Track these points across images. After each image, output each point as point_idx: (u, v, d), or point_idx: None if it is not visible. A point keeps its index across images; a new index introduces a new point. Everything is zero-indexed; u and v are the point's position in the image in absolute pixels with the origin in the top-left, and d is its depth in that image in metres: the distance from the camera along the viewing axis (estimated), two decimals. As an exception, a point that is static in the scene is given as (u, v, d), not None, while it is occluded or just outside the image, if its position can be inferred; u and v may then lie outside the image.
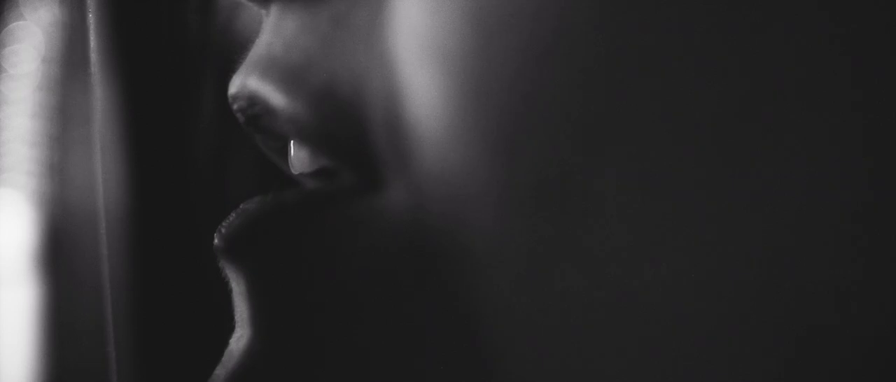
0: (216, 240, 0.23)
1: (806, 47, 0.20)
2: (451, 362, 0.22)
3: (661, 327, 0.20)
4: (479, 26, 0.21)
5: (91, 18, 0.26)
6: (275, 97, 0.23)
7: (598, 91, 0.20)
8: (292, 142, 0.24)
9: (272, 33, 0.24)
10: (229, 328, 0.26)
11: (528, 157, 0.20)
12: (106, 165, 0.25)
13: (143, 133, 0.25)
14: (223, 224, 0.23)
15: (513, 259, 0.21)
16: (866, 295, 0.20)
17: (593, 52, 0.20)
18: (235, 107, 0.24)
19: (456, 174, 0.21)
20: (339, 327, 0.22)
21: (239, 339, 0.23)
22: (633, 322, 0.20)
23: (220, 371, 0.24)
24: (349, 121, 0.22)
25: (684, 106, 0.20)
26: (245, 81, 0.23)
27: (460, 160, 0.21)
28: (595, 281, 0.20)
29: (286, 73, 0.23)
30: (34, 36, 0.32)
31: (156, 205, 0.25)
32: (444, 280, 0.21)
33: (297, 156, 0.24)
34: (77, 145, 0.27)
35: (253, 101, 0.23)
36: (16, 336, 0.29)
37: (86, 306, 0.28)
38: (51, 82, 0.30)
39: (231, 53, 0.25)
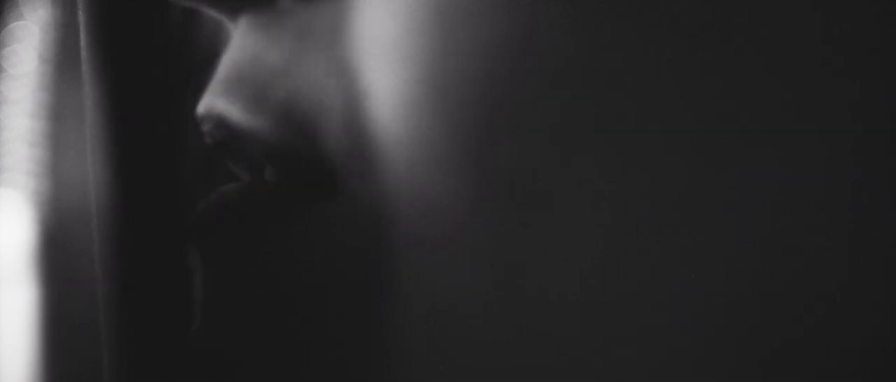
0: (194, 217, 0.23)
1: (794, 44, 0.19)
2: (406, 366, 0.22)
3: (637, 328, 0.20)
4: (439, 25, 0.20)
5: (80, 17, 0.26)
6: (240, 117, 0.23)
7: (567, 88, 0.20)
8: (267, 166, 0.24)
9: (238, 50, 0.23)
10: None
11: (496, 158, 0.20)
12: (94, 165, 0.25)
13: (134, 133, 0.25)
14: (202, 203, 0.23)
15: (483, 261, 0.20)
16: (860, 295, 0.20)
17: (562, 48, 0.20)
18: (204, 128, 0.24)
19: (422, 177, 0.20)
20: (286, 321, 0.22)
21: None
22: (607, 324, 0.20)
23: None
24: (310, 133, 0.22)
25: (660, 103, 0.19)
26: (212, 103, 0.23)
27: (426, 163, 0.20)
28: (567, 283, 0.20)
29: (251, 92, 0.23)
30: (34, 35, 0.32)
31: (143, 204, 0.25)
32: (407, 281, 0.21)
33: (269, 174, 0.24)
34: (72, 145, 0.27)
35: (220, 124, 0.23)
36: (14, 335, 0.29)
37: (82, 306, 0.28)
38: (48, 82, 0.30)
39: (214, 63, 0.25)
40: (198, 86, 0.25)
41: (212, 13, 0.25)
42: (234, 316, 0.23)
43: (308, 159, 0.22)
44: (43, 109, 0.29)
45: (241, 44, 0.23)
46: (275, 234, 0.22)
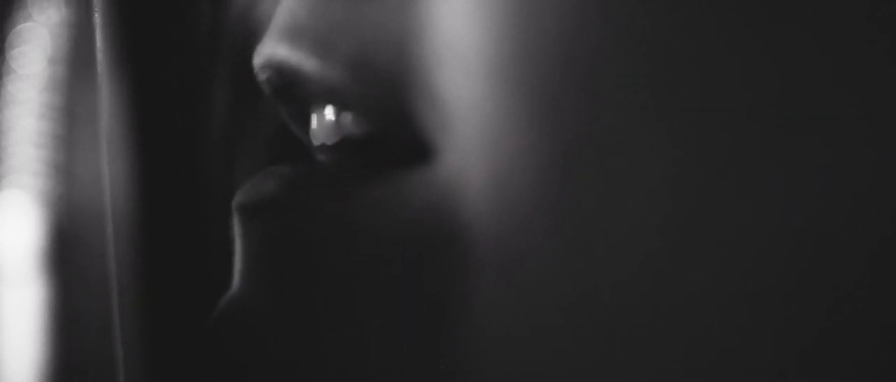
0: (239, 197, 0.23)
1: (810, 48, 0.20)
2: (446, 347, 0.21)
3: (682, 322, 0.20)
4: None
5: (97, 17, 0.26)
6: (307, 64, 0.23)
7: (641, 51, 0.20)
8: (315, 113, 0.24)
9: (295, 1, 0.23)
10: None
11: (569, 118, 0.20)
12: (112, 164, 0.25)
13: (151, 132, 0.25)
14: (249, 183, 0.23)
15: (552, 225, 0.20)
16: (869, 294, 0.20)
17: (636, 11, 0.20)
18: (263, 77, 0.24)
19: (499, 140, 0.20)
20: (341, 307, 0.22)
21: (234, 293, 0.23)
22: (657, 301, 0.20)
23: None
24: (390, 90, 0.22)
25: (724, 87, 0.19)
26: (273, 51, 0.23)
27: (503, 126, 0.20)
28: (632, 254, 0.20)
29: (317, 41, 0.23)
30: (43, 36, 0.32)
31: (163, 205, 0.25)
32: (471, 258, 0.21)
33: (321, 126, 0.24)
34: (83, 145, 0.27)
35: (282, 70, 0.23)
36: (23, 335, 0.28)
37: (93, 306, 0.28)
38: (58, 82, 0.30)
39: (246, 48, 0.25)
40: (225, 76, 0.25)
41: None
42: (272, 297, 0.23)
43: (392, 111, 0.22)
44: (53, 110, 0.29)
45: None
46: (329, 217, 0.22)
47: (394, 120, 0.22)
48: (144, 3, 0.25)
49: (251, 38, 0.25)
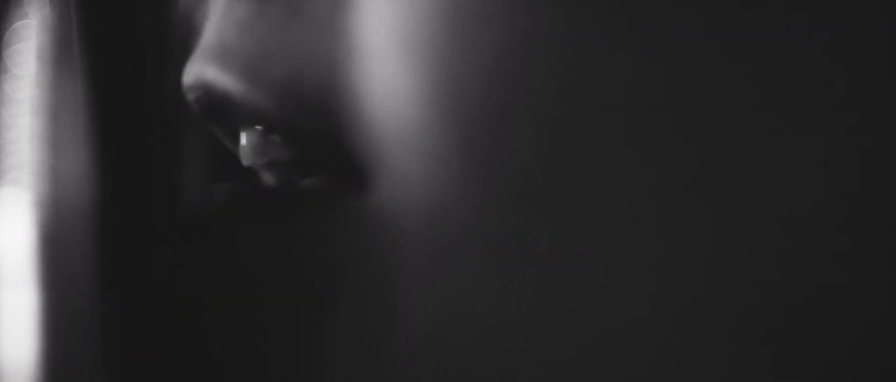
0: (182, 212, 0.23)
1: (800, 49, 0.19)
2: (404, 365, 0.21)
3: (644, 329, 0.20)
4: (455, 20, 0.20)
5: (74, 16, 0.26)
6: (235, 88, 0.22)
7: (580, 87, 0.19)
8: (243, 132, 0.24)
9: (223, 19, 0.23)
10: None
11: (507, 156, 0.20)
12: (84, 163, 0.25)
13: (109, 128, 0.25)
14: (192, 200, 0.23)
15: (490, 263, 0.20)
16: (860, 296, 0.19)
17: (575, 47, 0.19)
18: (191, 97, 0.23)
19: (434, 173, 0.20)
20: (278, 324, 0.22)
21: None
22: (614, 325, 0.20)
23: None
24: (316, 115, 0.21)
25: (673, 104, 0.19)
26: (201, 71, 0.23)
27: (438, 158, 0.20)
28: (577, 285, 0.20)
29: (244, 63, 0.22)
30: (37, 35, 0.31)
31: (127, 201, 0.25)
32: (411, 283, 0.20)
33: (249, 146, 0.24)
34: (67, 144, 0.27)
35: (210, 93, 0.23)
36: (15, 336, 0.29)
37: (83, 306, 0.28)
38: (47, 81, 0.30)
39: (189, 43, 0.25)
40: (179, 64, 0.25)
41: None
42: (222, 314, 0.23)
43: (319, 137, 0.21)
44: (43, 109, 0.29)
45: (225, 13, 0.23)
46: (270, 236, 0.22)
47: (323, 146, 0.22)
48: (103, 4, 0.25)
49: (192, 38, 0.25)
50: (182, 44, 0.25)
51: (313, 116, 0.21)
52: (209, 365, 0.23)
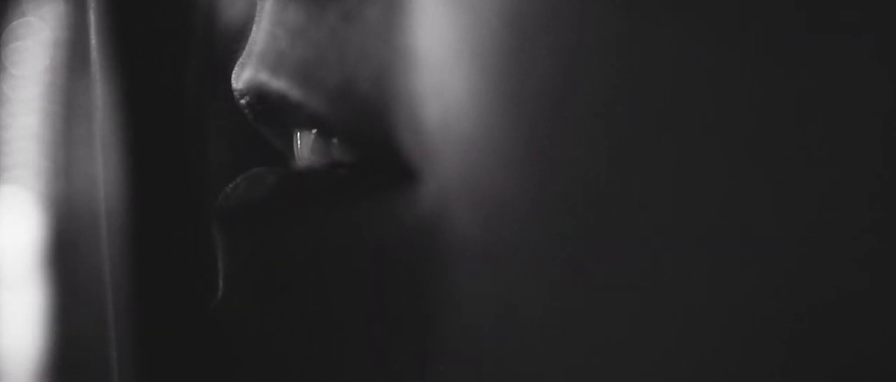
0: (222, 201, 0.23)
1: (817, 54, 0.19)
2: (444, 369, 0.21)
3: (675, 335, 0.20)
4: (513, 25, 0.20)
5: (92, 15, 0.26)
6: (291, 93, 0.22)
7: (636, 95, 0.19)
8: (298, 133, 0.24)
9: (274, 24, 0.23)
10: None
11: (561, 162, 0.20)
12: (106, 165, 0.25)
13: (143, 132, 0.25)
14: (232, 187, 0.23)
15: (545, 266, 0.20)
16: (870, 297, 0.20)
17: (631, 56, 0.19)
18: (244, 102, 0.23)
19: (485, 177, 0.20)
20: (321, 322, 0.22)
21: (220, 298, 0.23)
22: (652, 333, 0.20)
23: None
24: (372, 119, 0.21)
25: (718, 105, 0.19)
26: (254, 77, 0.23)
27: (491, 163, 0.20)
28: (624, 293, 0.20)
29: (298, 69, 0.22)
30: (39, 33, 0.31)
31: (155, 204, 0.25)
32: (462, 286, 0.21)
33: (306, 147, 0.23)
34: (79, 145, 0.26)
35: (264, 98, 0.23)
36: (22, 339, 0.28)
37: (87, 307, 0.27)
38: (55, 81, 0.29)
39: (230, 44, 0.25)
40: (219, 71, 0.25)
41: None
42: (261, 305, 0.22)
43: (372, 141, 0.21)
44: (50, 108, 0.29)
45: (276, 17, 0.23)
46: (315, 225, 0.22)
47: (377, 149, 0.22)
48: (138, 3, 0.25)
49: (232, 37, 0.25)
50: (226, 47, 0.25)
51: (368, 120, 0.21)
52: (240, 359, 0.23)
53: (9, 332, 0.28)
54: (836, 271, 0.19)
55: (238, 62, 0.23)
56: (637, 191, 0.19)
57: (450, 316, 0.20)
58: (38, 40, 0.30)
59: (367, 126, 0.21)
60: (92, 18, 0.26)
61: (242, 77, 0.23)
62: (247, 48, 0.23)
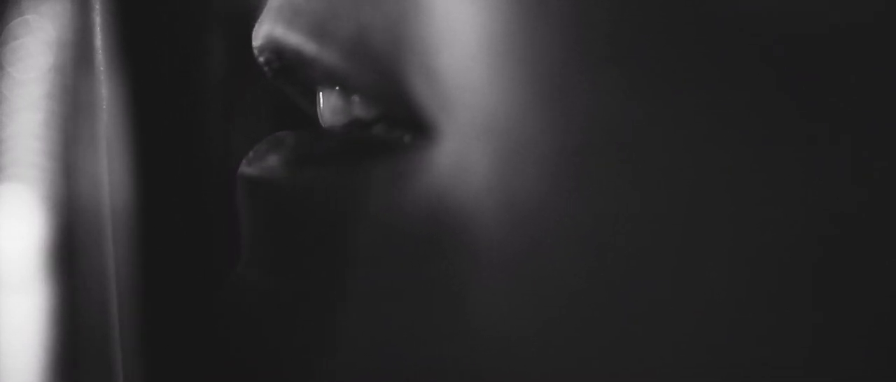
0: (243, 167, 0.23)
1: (814, 50, 0.19)
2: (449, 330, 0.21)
3: (688, 318, 0.20)
4: None
5: (97, 12, 0.26)
6: (306, 47, 0.22)
7: (658, 32, 0.19)
8: (321, 93, 0.23)
9: None
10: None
11: (579, 106, 0.19)
12: (111, 161, 0.25)
13: (150, 124, 0.25)
14: (253, 152, 0.22)
15: (561, 217, 0.20)
16: (868, 296, 0.19)
17: (643, 26, 0.19)
18: (262, 59, 0.23)
19: (504, 127, 0.20)
20: (343, 281, 0.21)
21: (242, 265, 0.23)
22: (670, 294, 0.20)
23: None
24: (387, 71, 0.21)
25: (725, 92, 0.19)
26: (271, 32, 0.23)
27: (509, 112, 0.20)
28: (658, 243, 0.19)
29: (314, 22, 0.22)
30: (40, 31, 0.31)
31: (162, 199, 0.25)
32: (474, 244, 0.20)
33: (328, 107, 0.23)
34: (84, 142, 0.26)
35: (281, 53, 0.23)
36: (25, 339, 0.28)
37: (92, 307, 0.27)
38: (59, 77, 0.29)
39: (246, 17, 0.24)
40: (230, 40, 0.25)
41: None
42: (282, 267, 0.22)
43: (388, 94, 0.21)
44: (54, 105, 0.28)
45: None
46: (337, 185, 0.21)
47: (393, 102, 0.21)
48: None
49: (251, 8, 0.24)
50: (240, 8, 0.25)
51: (383, 72, 0.21)
52: (249, 336, 0.22)
53: (12, 333, 0.28)
54: (837, 269, 0.19)
55: (257, 20, 0.23)
56: (661, 133, 0.19)
57: (468, 278, 0.20)
58: (40, 39, 0.30)
59: (383, 78, 0.21)
60: (96, 16, 0.26)
61: (260, 33, 0.23)
62: (267, 5, 0.23)
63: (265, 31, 0.23)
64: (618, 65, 0.19)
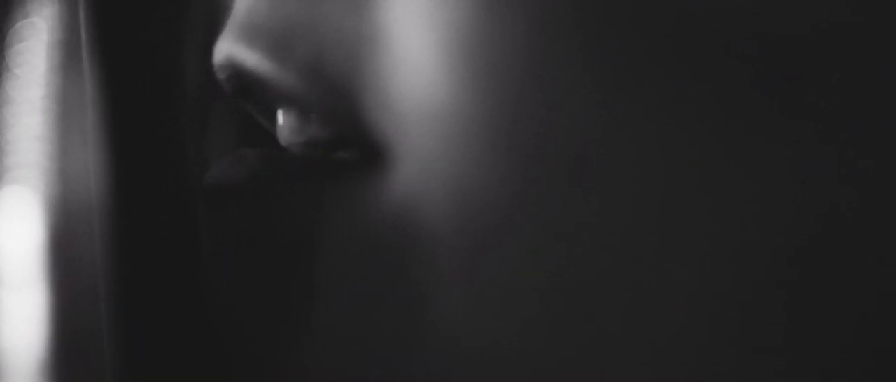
0: (207, 180, 0.23)
1: (806, 45, 0.19)
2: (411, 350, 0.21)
3: (662, 324, 0.19)
4: None
5: (82, 12, 0.26)
6: (264, 66, 0.22)
7: (615, 68, 0.19)
8: (281, 111, 0.23)
9: None
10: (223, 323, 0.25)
11: (537, 139, 0.19)
12: (95, 163, 0.25)
13: (129, 126, 0.25)
14: (217, 166, 0.23)
15: (517, 244, 0.20)
16: (864, 295, 0.19)
17: (607, 26, 0.19)
18: (222, 76, 0.23)
19: (460, 154, 0.20)
20: (300, 299, 0.22)
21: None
22: (635, 318, 0.19)
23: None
24: (344, 93, 0.21)
25: (695, 90, 0.19)
26: (230, 51, 0.23)
27: (464, 139, 0.20)
28: (606, 274, 0.19)
29: (273, 42, 0.22)
30: (40, 33, 0.31)
31: (145, 199, 0.25)
32: (433, 265, 0.20)
33: (287, 126, 0.23)
34: (74, 143, 0.26)
35: (240, 72, 0.23)
36: (21, 339, 0.28)
37: (91, 309, 0.27)
38: (55, 80, 0.29)
39: (213, 32, 0.25)
40: (209, 42, 0.25)
41: None
42: (242, 287, 0.22)
43: (342, 116, 0.21)
44: (50, 107, 0.29)
45: None
46: (295, 204, 0.21)
47: (350, 123, 0.21)
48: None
49: (218, 23, 0.25)
50: (212, 20, 0.25)
51: (339, 95, 0.21)
52: (224, 347, 0.22)
53: (10, 331, 0.28)
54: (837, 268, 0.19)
55: (219, 37, 0.23)
56: (620, 164, 0.19)
57: (429, 298, 0.20)
58: (39, 41, 0.30)
59: (339, 99, 0.21)
60: (81, 16, 0.26)
61: (220, 51, 0.23)
62: (228, 22, 0.23)
63: (225, 49, 0.23)
64: (583, 68, 0.19)
